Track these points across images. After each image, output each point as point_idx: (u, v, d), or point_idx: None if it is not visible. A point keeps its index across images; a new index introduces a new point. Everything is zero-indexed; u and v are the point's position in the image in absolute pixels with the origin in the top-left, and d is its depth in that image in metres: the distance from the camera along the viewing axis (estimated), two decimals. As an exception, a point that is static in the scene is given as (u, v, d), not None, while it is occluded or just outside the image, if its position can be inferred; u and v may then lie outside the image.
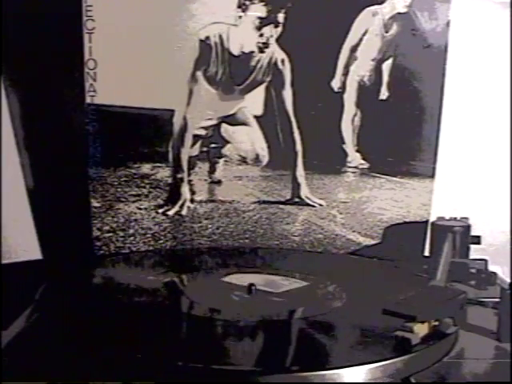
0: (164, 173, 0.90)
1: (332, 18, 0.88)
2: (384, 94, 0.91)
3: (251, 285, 0.70)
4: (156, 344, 0.57)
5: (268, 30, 0.88)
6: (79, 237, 0.89)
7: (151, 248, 0.90)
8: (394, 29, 0.90)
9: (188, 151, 0.90)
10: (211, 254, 0.87)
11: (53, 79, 0.89)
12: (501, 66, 0.94)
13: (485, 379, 0.56)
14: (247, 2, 0.87)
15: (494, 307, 0.68)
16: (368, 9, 0.89)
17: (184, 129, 0.89)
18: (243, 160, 0.92)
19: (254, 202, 0.92)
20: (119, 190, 0.89)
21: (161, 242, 0.90)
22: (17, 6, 0.87)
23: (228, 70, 0.88)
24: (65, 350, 0.55)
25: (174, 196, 0.90)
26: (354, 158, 0.93)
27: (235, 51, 0.88)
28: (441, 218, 0.86)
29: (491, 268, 0.78)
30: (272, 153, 0.91)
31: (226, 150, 0.91)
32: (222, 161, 0.91)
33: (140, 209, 0.90)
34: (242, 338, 0.60)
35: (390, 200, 0.93)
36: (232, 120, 0.91)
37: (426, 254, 0.89)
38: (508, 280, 0.77)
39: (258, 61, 0.89)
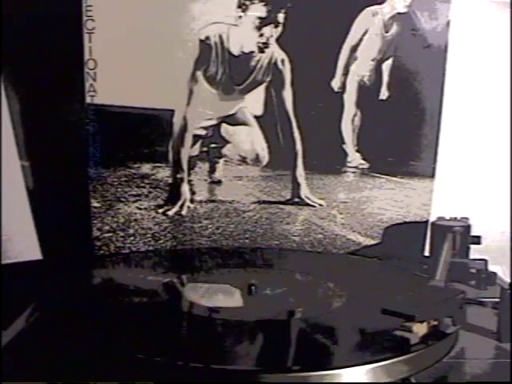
0: (164, 173, 0.90)
1: (332, 18, 0.88)
2: (384, 94, 0.91)
3: (251, 285, 0.70)
4: (156, 344, 0.57)
5: (268, 30, 0.88)
6: (79, 237, 0.89)
7: (151, 248, 0.90)
8: (394, 29, 0.90)
9: (188, 151, 0.90)
10: (211, 254, 0.88)
11: (53, 79, 0.89)
12: (501, 66, 0.95)
13: (485, 379, 0.56)
14: (247, 2, 0.87)
15: (494, 307, 0.68)
16: (368, 9, 0.89)
17: (184, 129, 0.89)
18: (243, 160, 0.92)
19: (254, 202, 0.92)
20: (119, 189, 0.89)
21: (161, 241, 0.90)
22: (17, 6, 0.87)
23: (228, 70, 0.88)
24: (65, 349, 0.55)
25: (173, 196, 0.90)
26: (354, 158, 0.93)
27: (235, 51, 0.88)
28: (441, 218, 0.86)
29: (491, 268, 0.78)
30: (272, 153, 0.91)
31: (225, 150, 0.91)
32: (221, 161, 0.91)
33: (140, 209, 0.90)
34: (242, 338, 0.60)
35: (389, 200, 0.93)
36: (232, 120, 0.91)
37: (426, 253, 0.89)
38: (508, 280, 0.77)
39: (258, 61, 0.89)
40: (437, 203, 0.93)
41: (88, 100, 0.86)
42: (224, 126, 0.91)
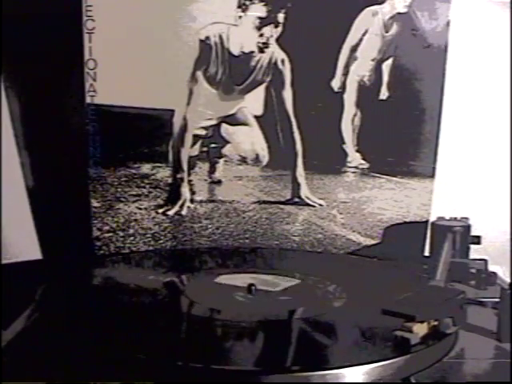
0: (164, 173, 0.90)
1: (332, 17, 0.88)
2: (384, 94, 0.91)
3: (251, 285, 0.70)
4: (156, 344, 0.57)
5: (268, 30, 0.88)
6: (79, 237, 0.89)
7: (151, 248, 0.90)
8: (394, 29, 0.90)
9: (188, 151, 0.90)
10: (211, 253, 0.88)
11: (53, 79, 0.89)
12: (501, 66, 0.94)
13: (485, 379, 0.56)
14: (247, 2, 0.87)
15: (494, 307, 0.68)
16: (368, 9, 0.89)
17: (184, 129, 0.89)
18: (243, 160, 0.92)
19: (254, 202, 0.92)
20: (119, 189, 0.89)
21: (161, 241, 0.90)
22: (17, 6, 0.87)
23: (228, 70, 0.88)
24: (65, 349, 0.55)
25: (173, 196, 0.90)
26: (354, 158, 0.93)
27: (235, 51, 0.88)
28: (441, 218, 0.86)
29: (491, 268, 0.78)
30: (272, 153, 0.91)
31: (225, 150, 0.91)
32: (221, 161, 0.91)
33: (140, 209, 0.90)
34: (242, 338, 0.60)
35: (389, 200, 0.93)
36: (232, 120, 0.91)
37: (426, 253, 0.89)
38: (508, 280, 0.77)
39: (258, 61, 0.89)
40: (437, 203, 0.93)
41: (88, 100, 0.86)
42: (224, 126, 0.91)
